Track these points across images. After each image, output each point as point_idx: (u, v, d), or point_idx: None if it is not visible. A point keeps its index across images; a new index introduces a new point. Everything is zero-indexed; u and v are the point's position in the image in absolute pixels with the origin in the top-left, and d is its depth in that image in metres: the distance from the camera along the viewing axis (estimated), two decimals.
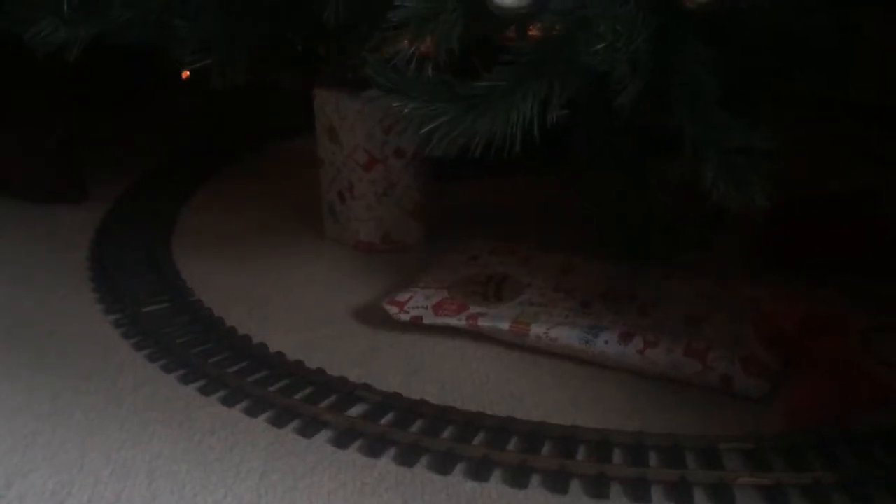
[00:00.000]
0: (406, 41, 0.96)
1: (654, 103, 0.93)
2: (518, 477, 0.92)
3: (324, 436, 1.00)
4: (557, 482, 0.91)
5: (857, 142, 1.73)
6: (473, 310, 1.17)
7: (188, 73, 1.28)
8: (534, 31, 0.96)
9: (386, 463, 0.96)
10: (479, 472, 0.93)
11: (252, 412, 1.04)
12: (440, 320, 1.17)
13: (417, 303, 1.20)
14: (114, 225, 1.57)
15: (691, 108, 0.91)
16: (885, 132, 1.75)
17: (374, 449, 0.97)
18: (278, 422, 1.02)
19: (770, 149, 0.88)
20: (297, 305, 1.30)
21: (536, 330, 1.13)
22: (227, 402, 1.06)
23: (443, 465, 0.94)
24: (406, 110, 0.96)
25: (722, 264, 1.33)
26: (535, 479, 0.92)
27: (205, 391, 1.09)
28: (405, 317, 1.19)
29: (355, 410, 1.04)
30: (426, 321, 1.18)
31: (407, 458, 0.96)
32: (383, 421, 1.01)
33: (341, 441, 0.99)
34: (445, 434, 0.99)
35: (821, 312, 1.14)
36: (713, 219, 1.39)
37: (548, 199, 1.59)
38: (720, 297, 1.18)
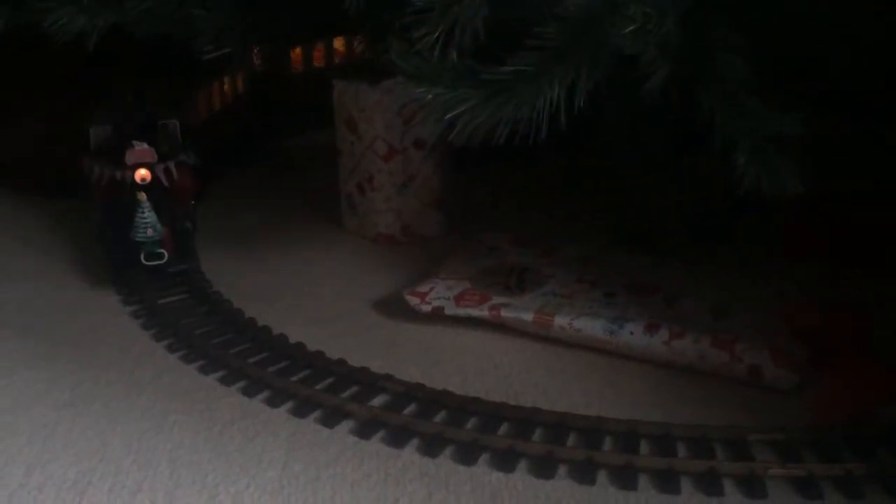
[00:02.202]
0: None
1: (683, 89, 0.91)
2: (544, 468, 0.91)
3: (346, 426, 0.99)
4: (584, 473, 0.90)
5: (883, 138, 1.71)
6: (496, 300, 1.16)
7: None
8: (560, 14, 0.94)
9: (410, 453, 0.94)
10: (505, 462, 0.92)
11: (273, 402, 1.03)
12: (462, 311, 1.16)
13: (439, 293, 1.19)
14: None
15: (721, 94, 0.89)
16: None
17: (397, 439, 0.96)
18: (300, 412, 1.01)
19: (802, 135, 0.86)
20: (316, 297, 1.29)
21: (560, 321, 1.11)
22: (248, 392, 1.05)
23: (467, 455, 0.93)
24: (430, 96, 0.94)
25: (747, 257, 1.31)
26: (562, 470, 0.91)
27: (225, 381, 1.08)
28: (426, 308, 1.17)
29: (378, 401, 1.03)
30: (448, 312, 1.16)
31: (431, 448, 0.94)
32: (406, 411, 1.00)
33: (364, 431, 0.97)
34: (469, 425, 0.97)
35: (848, 305, 1.13)
36: (738, 212, 1.37)
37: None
38: (747, 289, 1.16)
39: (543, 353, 1.12)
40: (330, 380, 1.07)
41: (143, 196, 1.24)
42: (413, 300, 1.19)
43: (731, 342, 1.04)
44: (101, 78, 1.49)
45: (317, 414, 1.01)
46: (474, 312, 1.15)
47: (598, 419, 0.97)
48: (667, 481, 0.88)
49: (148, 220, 1.24)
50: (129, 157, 1.23)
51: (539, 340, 1.14)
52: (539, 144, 0.94)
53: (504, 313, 1.14)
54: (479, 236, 1.37)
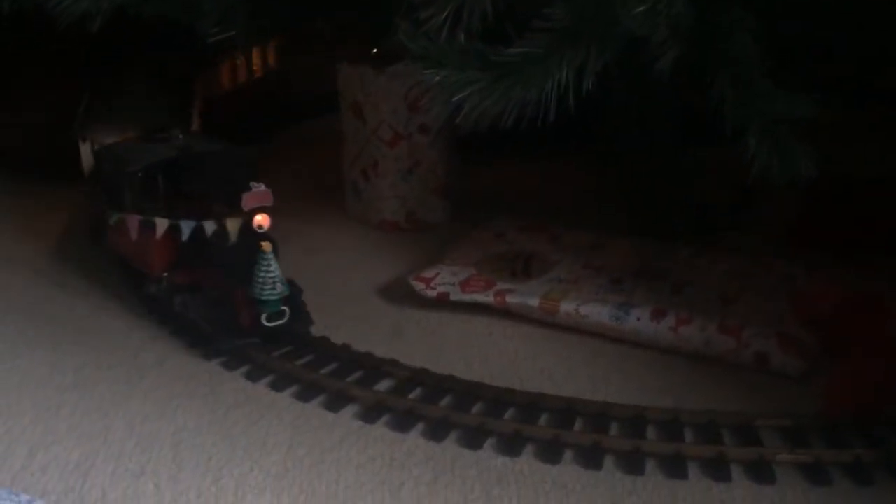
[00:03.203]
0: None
1: (694, 71, 0.90)
2: (550, 452, 0.90)
3: (350, 410, 0.98)
4: (591, 457, 0.89)
5: (891, 126, 1.70)
6: (501, 286, 1.15)
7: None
8: None
9: (415, 438, 0.94)
10: (511, 447, 0.91)
11: (277, 387, 1.02)
12: (467, 297, 1.15)
13: (444, 279, 1.18)
14: None
15: (733, 75, 0.88)
16: None
17: (402, 424, 0.95)
18: (304, 396, 1.00)
19: (814, 118, 0.85)
20: (320, 283, 1.27)
21: (566, 307, 1.10)
22: (252, 377, 1.05)
23: (473, 440, 0.92)
24: (437, 78, 0.93)
25: (756, 244, 1.30)
26: (568, 455, 0.90)
27: (228, 366, 1.07)
28: (431, 293, 1.17)
29: (382, 385, 1.02)
30: (453, 297, 1.15)
31: (436, 433, 0.94)
32: (411, 396, 0.99)
33: (369, 416, 0.97)
34: (475, 409, 0.97)
35: (859, 293, 1.12)
36: (747, 200, 1.36)
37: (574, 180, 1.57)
38: (755, 275, 1.15)
39: (549, 338, 1.12)
40: (334, 365, 1.06)
41: (268, 246, 1.03)
42: (418, 286, 1.18)
43: (738, 329, 1.03)
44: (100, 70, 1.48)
45: (321, 398, 1.00)
46: (480, 298, 1.15)
47: (605, 404, 0.96)
48: (674, 466, 0.87)
49: (275, 275, 1.03)
50: (248, 202, 1.03)
51: (545, 326, 1.13)
52: (545, 133, 0.93)
53: (509, 299, 1.13)
54: (485, 223, 1.36)
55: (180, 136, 1.19)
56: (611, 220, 1.36)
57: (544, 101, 0.92)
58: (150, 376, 1.05)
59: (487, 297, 1.14)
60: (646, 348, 1.08)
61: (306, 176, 1.67)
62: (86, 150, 1.30)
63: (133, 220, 1.12)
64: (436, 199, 1.43)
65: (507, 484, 0.86)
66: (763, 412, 0.94)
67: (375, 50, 1.36)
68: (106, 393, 1.02)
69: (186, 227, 1.07)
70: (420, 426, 0.95)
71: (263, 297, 1.04)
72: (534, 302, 1.12)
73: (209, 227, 1.06)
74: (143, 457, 0.91)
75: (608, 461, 0.89)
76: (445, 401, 0.98)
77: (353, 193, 1.46)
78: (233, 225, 1.05)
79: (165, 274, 1.14)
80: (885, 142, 1.52)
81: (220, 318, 1.07)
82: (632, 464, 0.88)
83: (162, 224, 1.09)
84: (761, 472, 0.86)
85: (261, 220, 1.03)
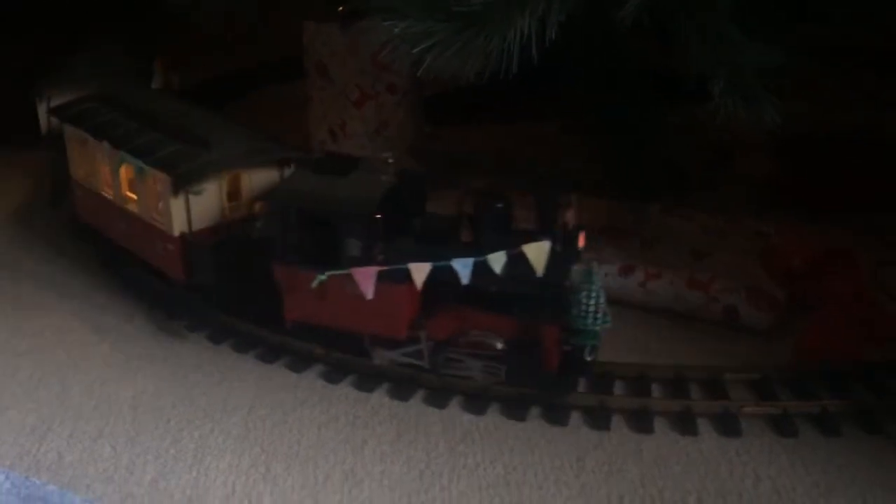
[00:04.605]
0: None
1: (658, 18, 0.88)
2: (516, 409, 0.89)
3: (315, 371, 0.96)
4: (557, 414, 0.88)
5: (860, 83, 1.69)
6: None
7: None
8: None
9: (380, 397, 0.92)
10: (477, 405, 0.90)
11: (240, 348, 1.01)
12: None
13: None
14: None
15: (699, 23, 0.86)
16: (889, 74, 1.71)
17: (367, 384, 0.94)
18: (267, 357, 0.99)
19: (781, 66, 0.83)
20: None
21: None
22: (215, 339, 1.03)
23: (439, 399, 0.91)
24: (397, 30, 0.91)
25: (728, 202, 1.29)
26: (534, 412, 0.89)
27: (191, 328, 1.05)
28: None
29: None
30: None
31: (401, 392, 0.92)
32: None
33: (333, 376, 0.95)
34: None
35: (830, 248, 1.11)
36: (720, 159, 1.35)
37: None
38: (726, 232, 1.14)
39: None
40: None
41: (596, 266, 0.86)
42: None
43: (707, 283, 1.02)
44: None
45: (285, 360, 0.98)
46: None
47: None
48: (641, 421, 0.87)
49: (602, 302, 0.85)
50: (571, 218, 0.85)
51: None
52: (519, 95, 0.90)
53: None
54: (454, 183, 1.33)
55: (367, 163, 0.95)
56: (586, 180, 1.34)
57: (507, 51, 0.89)
58: (110, 340, 1.03)
59: None
60: (614, 304, 1.06)
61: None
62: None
63: (367, 275, 0.86)
64: (405, 160, 1.40)
65: (471, 440, 0.85)
66: (731, 366, 0.93)
67: (341, 7, 1.33)
68: (65, 357, 0.99)
69: (463, 268, 0.83)
70: (385, 385, 0.93)
71: (594, 328, 0.84)
72: None
73: (497, 260, 0.82)
74: (101, 420, 0.89)
75: (574, 417, 0.88)
76: None
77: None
78: (537, 252, 0.82)
79: (422, 332, 0.89)
80: (855, 101, 1.51)
81: (529, 370, 0.87)
82: (598, 419, 0.87)
83: (420, 270, 0.84)
84: (728, 425, 0.85)
85: (581, 238, 0.83)
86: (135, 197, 1.05)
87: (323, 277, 0.87)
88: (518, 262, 0.82)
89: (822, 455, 0.82)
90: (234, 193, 1.00)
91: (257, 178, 1.01)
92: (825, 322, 0.99)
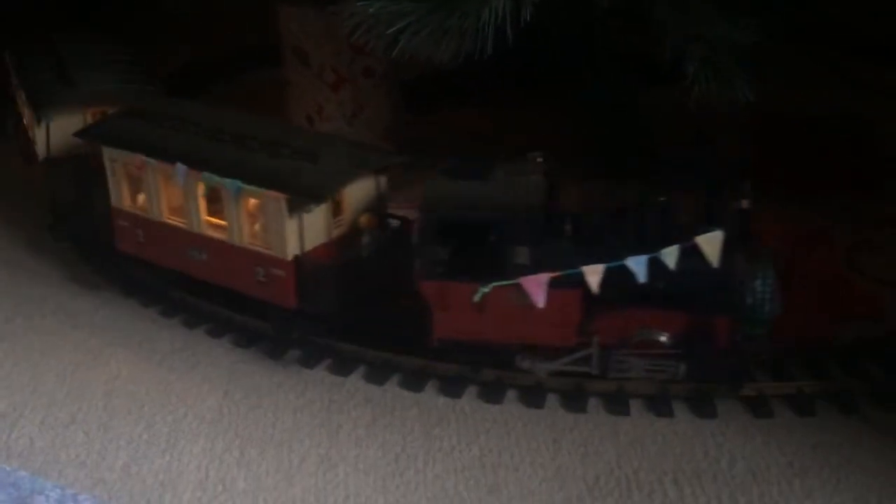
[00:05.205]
0: None
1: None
2: (492, 392, 0.89)
3: (291, 356, 0.96)
4: (533, 397, 0.88)
5: (836, 65, 1.70)
6: None
7: None
8: None
9: (355, 381, 0.92)
10: (453, 389, 0.89)
11: (215, 333, 1.00)
12: None
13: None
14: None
15: None
16: (864, 56, 1.72)
17: (342, 368, 0.93)
18: (242, 342, 0.98)
19: (755, 43, 0.83)
20: None
21: None
22: (189, 324, 1.02)
23: (414, 382, 0.91)
24: (371, 10, 0.90)
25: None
26: (511, 395, 0.89)
27: (166, 314, 1.04)
28: None
29: None
30: None
31: (377, 376, 0.92)
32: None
33: (308, 361, 0.95)
34: (416, 354, 0.95)
35: (806, 229, 1.11)
36: (698, 140, 1.35)
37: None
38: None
39: None
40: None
41: (769, 253, 0.84)
42: None
43: None
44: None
45: (261, 344, 0.98)
46: None
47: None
48: (616, 403, 0.87)
49: (776, 288, 0.83)
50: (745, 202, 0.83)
51: None
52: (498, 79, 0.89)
53: None
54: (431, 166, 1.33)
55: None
56: (565, 163, 1.34)
57: (482, 31, 0.88)
58: (84, 325, 1.02)
59: None
60: None
61: None
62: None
63: (537, 283, 0.81)
64: (382, 145, 1.39)
65: (447, 424, 0.85)
66: None
67: None
68: (37, 343, 0.98)
69: (638, 266, 0.79)
70: (361, 369, 0.93)
71: (769, 317, 0.83)
72: None
73: (671, 255, 0.79)
74: (74, 406, 0.88)
75: (550, 399, 0.88)
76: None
77: None
78: (712, 243, 0.79)
79: (593, 337, 0.85)
80: (834, 83, 1.51)
81: (709, 364, 0.84)
82: (574, 402, 0.87)
83: (594, 273, 0.80)
84: (703, 407, 0.85)
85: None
86: (222, 222, 0.93)
87: (486, 289, 0.81)
88: (691, 255, 0.78)
89: (797, 436, 0.82)
90: (337, 209, 0.93)
91: (357, 192, 0.93)
92: (797, 302, 0.99)
